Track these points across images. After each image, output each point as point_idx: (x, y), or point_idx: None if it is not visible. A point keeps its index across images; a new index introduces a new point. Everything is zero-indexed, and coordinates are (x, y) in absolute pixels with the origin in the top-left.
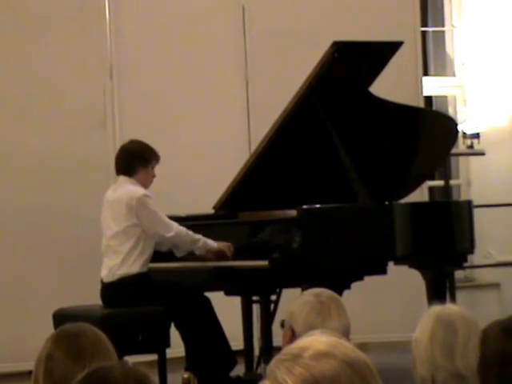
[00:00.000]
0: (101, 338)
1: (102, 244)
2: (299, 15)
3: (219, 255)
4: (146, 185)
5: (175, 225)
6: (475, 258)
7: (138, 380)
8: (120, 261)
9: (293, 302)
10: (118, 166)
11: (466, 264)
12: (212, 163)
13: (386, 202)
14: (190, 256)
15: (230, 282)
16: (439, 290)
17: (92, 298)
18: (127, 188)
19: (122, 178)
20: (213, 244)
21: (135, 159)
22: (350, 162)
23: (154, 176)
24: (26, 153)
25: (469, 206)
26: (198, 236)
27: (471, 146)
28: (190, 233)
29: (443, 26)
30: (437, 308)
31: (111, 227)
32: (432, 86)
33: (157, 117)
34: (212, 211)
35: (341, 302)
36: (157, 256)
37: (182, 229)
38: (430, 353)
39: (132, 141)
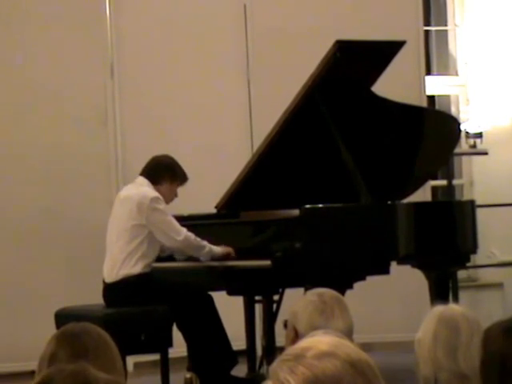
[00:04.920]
0: (104, 338)
1: (106, 241)
2: (301, 13)
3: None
4: (166, 200)
5: (184, 229)
6: (478, 258)
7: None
8: (122, 260)
9: (296, 302)
10: (145, 169)
11: (468, 264)
12: (214, 162)
13: (389, 202)
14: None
15: (233, 282)
16: (442, 289)
17: (94, 298)
18: (142, 188)
19: (142, 180)
20: (217, 250)
21: (164, 169)
22: (352, 162)
23: (176, 195)
24: (27, 152)
25: (472, 205)
26: (204, 242)
27: (474, 146)
28: (198, 239)
29: (446, 25)
30: (440, 308)
31: (117, 224)
32: (435, 85)
33: (158, 116)
34: (214, 211)
35: (344, 301)
36: (157, 257)
37: (190, 234)
38: (433, 353)
39: (166, 155)
